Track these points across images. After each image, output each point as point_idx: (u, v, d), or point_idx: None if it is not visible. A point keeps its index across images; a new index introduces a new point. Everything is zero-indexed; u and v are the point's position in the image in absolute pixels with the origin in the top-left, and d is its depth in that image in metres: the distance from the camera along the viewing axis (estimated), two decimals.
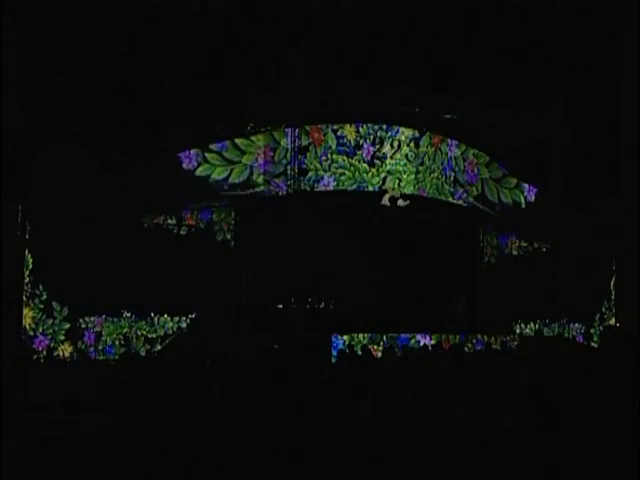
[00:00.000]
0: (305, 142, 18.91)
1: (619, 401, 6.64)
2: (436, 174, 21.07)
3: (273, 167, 19.12)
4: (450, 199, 21.35)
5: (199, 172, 18.48)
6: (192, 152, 18.36)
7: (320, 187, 19.61)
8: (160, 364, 10.29)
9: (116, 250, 17.82)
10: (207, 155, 18.55)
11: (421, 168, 20.79)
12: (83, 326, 17.43)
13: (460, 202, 21.52)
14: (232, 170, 18.79)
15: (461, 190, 21.53)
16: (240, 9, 20.38)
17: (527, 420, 6.70)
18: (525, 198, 22.83)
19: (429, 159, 20.92)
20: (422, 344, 16.92)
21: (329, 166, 19.71)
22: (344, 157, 19.83)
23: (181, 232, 18.88)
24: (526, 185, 22.82)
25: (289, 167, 18.85)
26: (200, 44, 20.35)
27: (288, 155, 18.96)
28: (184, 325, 18.64)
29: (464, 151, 21.63)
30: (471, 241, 22.47)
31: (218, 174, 18.62)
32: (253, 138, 19.08)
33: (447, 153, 21.28)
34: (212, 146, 18.62)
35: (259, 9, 20.30)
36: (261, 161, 18.99)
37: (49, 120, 18.30)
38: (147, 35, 19.94)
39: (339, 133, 19.79)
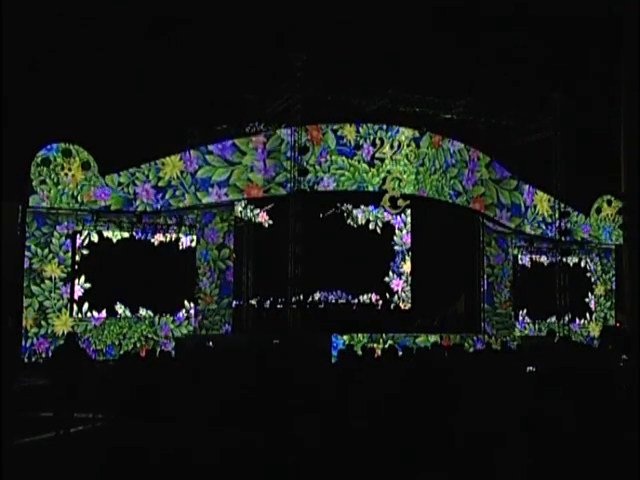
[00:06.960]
0: (305, 142, 18.73)
1: (620, 400, 6.64)
2: (436, 176, 20.84)
3: (273, 168, 19.01)
4: (450, 201, 21.11)
5: (200, 174, 18.46)
6: (193, 155, 18.27)
7: (320, 188, 19.44)
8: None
9: (116, 250, 17.94)
10: (207, 157, 18.47)
11: (421, 169, 20.57)
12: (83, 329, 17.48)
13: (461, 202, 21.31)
14: (232, 171, 18.71)
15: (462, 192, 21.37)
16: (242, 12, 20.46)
17: (528, 420, 6.69)
18: (524, 201, 22.55)
19: (429, 160, 20.70)
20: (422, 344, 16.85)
21: (328, 167, 19.51)
22: (343, 158, 19.63)
23: (181, 233, 18.89)
24: (526, 187, 22.52)
25: (289, 167, 18.72)
26: (200, 46, 20.40)
27: (288, 154, 18.86)
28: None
29: (464, 151, 21.46)
30: (471, 241, 22.40)
31: (219, 175, 18.56)
32: (253, 139, 18.98)
33: (449, 149, 21.00)
34: (212, 148, 18.53)
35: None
36: (261, 162, 18.84)
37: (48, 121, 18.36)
38: (147, 39, 19.99)
39: (339, 133, 19.62)
